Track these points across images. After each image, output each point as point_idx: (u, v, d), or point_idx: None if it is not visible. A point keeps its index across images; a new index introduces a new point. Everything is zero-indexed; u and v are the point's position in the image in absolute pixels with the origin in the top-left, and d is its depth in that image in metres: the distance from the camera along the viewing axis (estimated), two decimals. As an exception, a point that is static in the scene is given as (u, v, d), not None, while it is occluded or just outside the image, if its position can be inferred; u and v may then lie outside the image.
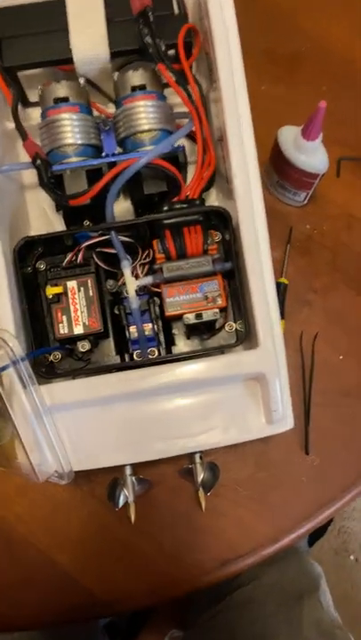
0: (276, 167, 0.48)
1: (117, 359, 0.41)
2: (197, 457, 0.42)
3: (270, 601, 0.53)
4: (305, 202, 0.51)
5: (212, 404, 0.37)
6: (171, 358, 0.38)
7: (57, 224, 0.44)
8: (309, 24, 0.57)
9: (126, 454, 0.39)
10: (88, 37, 0.39)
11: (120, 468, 0.42)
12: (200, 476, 0.41)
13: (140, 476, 0.43)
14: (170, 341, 0.41)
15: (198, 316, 0.37)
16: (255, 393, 0.37)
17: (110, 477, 0.43)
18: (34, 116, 0.44)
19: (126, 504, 0.42)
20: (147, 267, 0.41)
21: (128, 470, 0.42)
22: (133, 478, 0.42)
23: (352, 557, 1.01)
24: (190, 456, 0.42)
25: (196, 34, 0.40)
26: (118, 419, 0.38)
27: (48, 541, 0.46)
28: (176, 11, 0.40)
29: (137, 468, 0.43)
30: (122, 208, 0.43)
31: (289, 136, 0.44)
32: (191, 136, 0.43)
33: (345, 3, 0.57)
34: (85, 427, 0.38)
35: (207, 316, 0.37)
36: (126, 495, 0.42)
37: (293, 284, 0.50)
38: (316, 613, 0.52)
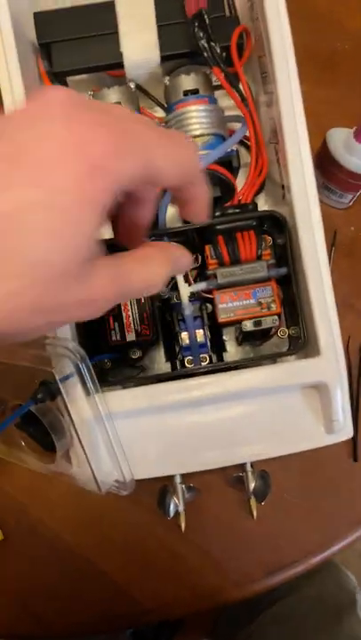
0: (323, 169, 0.47)
1: (167, 365, 0.40)
2: (248, 465, 0.41)
3: (311, 616, 0.53)
4: (350, 204, 0.50)
5: (268, 412, 0.37)
6: (225, 366, 0.38)
7: (103, 231, 0.44)
8: (349, 22, 0.56)
9: (178, 464, 0.38)
10: (139, 41, 0.38)
11: (168, 476, 0.42)
12: (252, 485, 0.41)
13: (189, 484, 0.42)
14: (220, 347, 0.41)
15: (257, 323, 0.36)
16: (313, 401, 0.36)
17: (156, 485, 0.43)
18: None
19: (176, 513, 0.42)
20: (195, 272, 0.40)
21: (178, 478, 0.41)
22: (183, 486, 0.41)
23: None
24: (240, 464, 0.42)
25: (247, 35, 0.39)
26: (170, 428, 0.38)
27: (96, 551, 0.45)
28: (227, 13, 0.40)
29: (183, 475, 0.43)
30: (168, 213, 0.43)
31: (339, 138, 0.44)
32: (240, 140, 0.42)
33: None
34: (136, 436, 0.37)
35: (266, 322, 0.36)
36: (176, 503, 0.41)
37: (338, 288, 0.49)
38: (356, 629, 0.51)
